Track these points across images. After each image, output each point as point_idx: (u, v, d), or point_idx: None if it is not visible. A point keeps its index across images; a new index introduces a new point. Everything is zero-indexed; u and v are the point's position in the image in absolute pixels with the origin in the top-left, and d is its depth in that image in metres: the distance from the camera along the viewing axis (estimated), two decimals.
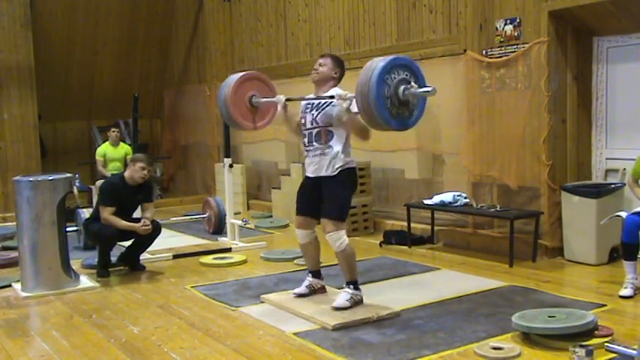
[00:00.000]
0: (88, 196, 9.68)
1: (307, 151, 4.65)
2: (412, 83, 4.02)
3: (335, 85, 4.64)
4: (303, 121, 4.67)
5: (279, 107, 4.90)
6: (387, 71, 3.92)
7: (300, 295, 4.83)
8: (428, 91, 4.00)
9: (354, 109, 4.25)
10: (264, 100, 5.05)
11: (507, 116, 6.26)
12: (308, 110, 4.64)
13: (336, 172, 4.51)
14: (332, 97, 4.46)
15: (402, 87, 3.98)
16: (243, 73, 5.21)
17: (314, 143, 4.58)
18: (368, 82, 3.89)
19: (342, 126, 4.51)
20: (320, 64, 4.65)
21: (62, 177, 5.50)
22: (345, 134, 4.56)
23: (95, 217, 5.96)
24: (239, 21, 10.64)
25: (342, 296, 4.53)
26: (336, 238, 4.46)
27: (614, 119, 6.13)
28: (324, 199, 4.55)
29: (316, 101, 4.61)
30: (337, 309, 4.45)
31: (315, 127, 4.56)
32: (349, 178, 4.60)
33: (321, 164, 4.55)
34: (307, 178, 4.73)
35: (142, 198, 6.08)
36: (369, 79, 3.89)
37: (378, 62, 3.96)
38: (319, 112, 4.56)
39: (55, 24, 10.97)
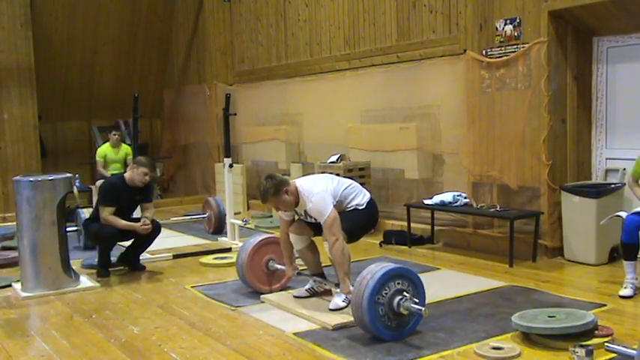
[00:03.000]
0: (88, 196, 9.68)
1: None
2: (405, 294, 3.96)
3: (297, 197, 4.53)
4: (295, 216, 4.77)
5: (290, 272, 4.92)
6: (377, 291, 3.90)
7: (300, 297, 4.84)
8: (420, 310, 3.92)
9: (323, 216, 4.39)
10: (281, 267, 5.08)
11: (507, 116, 6.26)
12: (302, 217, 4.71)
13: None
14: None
15: (397, 300, 3.95)
16: (261, 237, 5.25)
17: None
18: (360, 306, 3.90)
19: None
20: (276, 208, 4.70)
21: (62, 177, 5.50)
22: (347, 201, 4.61)
23: (95, 217, 5.96)
24: (239, 21, 10.64)
25: (338, 298, 4.52)
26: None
27: (614, 119, 6.13)
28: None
29: (300, 211, 4.65)
30: (334, 310, 4.44)
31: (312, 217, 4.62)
32: (365, 208, 4.63)
33: None
34: None
35: (142, 198, 6.08)
36: (361, 304, 3.89)
37: (369, 280, 3.91)
38: (310, 217, 4.61)
39: (55, 24, 10.97)
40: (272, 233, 7.94)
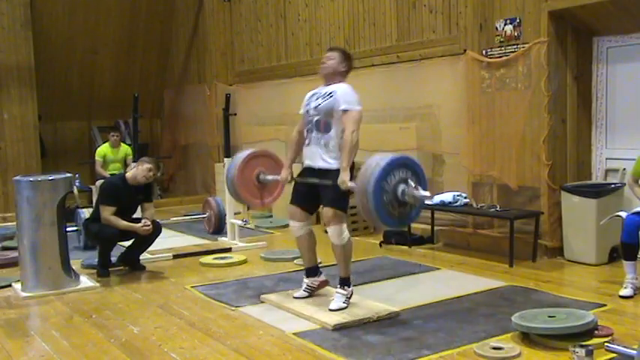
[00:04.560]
0: (88, 196, 9.68)
1: (307, 140, 4.65)
2: (410, 182, 4.02)
3: (343, 79, 4.65)
4: (307, 108, 4.68)
5: (285, 174, 4.86)
6: (383, 178, 3.94)
7: (300, 298, 4.83)
8: (425, 197, 4.01)
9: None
10: (271, 177, 5.09)
11: (507, 116, 6.26)
12: (314, 98, 4.65)
13: (333, 166, 4.49)
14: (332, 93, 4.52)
15: (400, 189, 4.01)
16: (250, 151, 5.25)
17: (313, 131, 4.59)
18: (366, 192, 3.93)
19: (340, 120, 4.51)
20: (328, 57, 4.66)
21: (62, 177, 5.50)
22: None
23: (95, 217, 5.96)
24: (239, 21, 10.64)
25: (339, 299, 4.51)
26: (338, 232, 4.44)
27: (614, 119, 6.13)
28: (323, 191, 4.54)
29: (323, 90, 4.62)
30: (335, 311, 4.43)
31: (315, 115, 4.57)
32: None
33: (318, 153, 4.55)
34: (305, 169, 4.72)
35: (143, 198, 6.07)
36: (366, 189, 3.92)
37: (374, 168, 3.96)
38: (323, 102, 4.57)
39: (55, 24, 10.97)
40: (272, 233, 7.98)
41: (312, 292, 4.85)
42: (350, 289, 4.58)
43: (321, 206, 4.66)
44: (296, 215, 4.74)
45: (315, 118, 4.57)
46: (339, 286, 4.59)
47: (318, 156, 4.55)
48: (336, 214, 4.46)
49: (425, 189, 4.09)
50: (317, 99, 4.63)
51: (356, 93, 4.56)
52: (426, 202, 4.02)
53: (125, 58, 11.94)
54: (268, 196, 5.17)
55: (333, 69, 4.64)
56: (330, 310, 4.44)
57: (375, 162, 4.02)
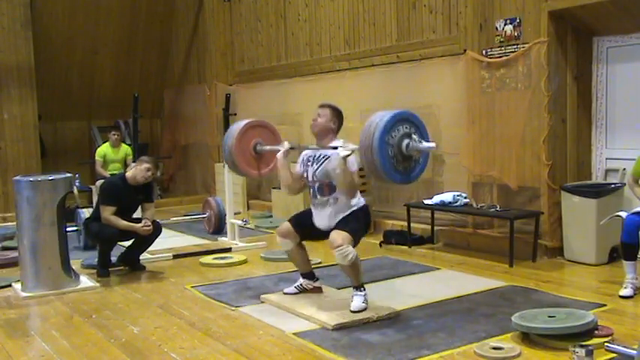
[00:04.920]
0: (88, 196, 9.68)
1: (313, 202, 4.67)
2: (413, 136, 4.05)
3: (335, 136, 4.62)
4: (305, 174, 4.68)
5: (281, 152, 4.81)
6: (387, 131, 3.95)
7: (289, 294, 4.88)
8: (431, 147, 4.06)
9: (352, 166, 4.34)
10: (269, 147, 5.11)
11: (507, 116, 6.26)
12: (309, 164, 4.64)
13: (351, 209, 4.52)
14: (335, 147, 4.45)
15: (405, 142, 4.03)
16: (247, 121, 5.25)
17: (317, 196, 4.60)
18: (371, 147, 3.93)
19: (342, 176, 4.47)
20: (318, 115, 4.63)
21: (62, 177, 5.50)
22: (348, 181, 4.52)
23: (95, 216, 5.96)
24: (239, 21, 10.64)
25: (357, 299, 4.48)
26: (345, 253, 4.32)
27: (614, 119, 6.13)
28: (340, 223, 4.49)
29: (317, 153, 4.60)
30: (356, 312, 4.41)
31: (316, 182, 4.58)
32: (361, 214, 4.56)
33: (326, 215, 4.56)
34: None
35: (143, 198, 6.07)
36: (372, 144, 3.92)
37: (377, 122, 3.96)
38: (318, 168, 4.58)
39: (55, 24, 10.97)
40: (272, 233, 7.98)
41: (302, 292, 4.90)
42: (366, 292, 4.57)
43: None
44: (286, 234, 4.74)
45: (317, 185, 4.58)
46: (354, 289, 4.55)
47: (332, 215, 4.53)
48: (347, 237, 4.37)
49: (428, 142, 4.12)
50: (312, 164, 4.61)
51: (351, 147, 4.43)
52: (432, 149, 4.08)
53: (125, 58, 11.93)
54: (265, 166, 5.18)
55: (324, 126, 4.61)
56: (352, 311, 4.40)
57: (378, 117, 4.02)
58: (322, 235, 4.62)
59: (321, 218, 4.60)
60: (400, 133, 4.04)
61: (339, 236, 4.36)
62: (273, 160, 5.04)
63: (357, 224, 4.52)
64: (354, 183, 4.44)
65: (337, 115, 4.67)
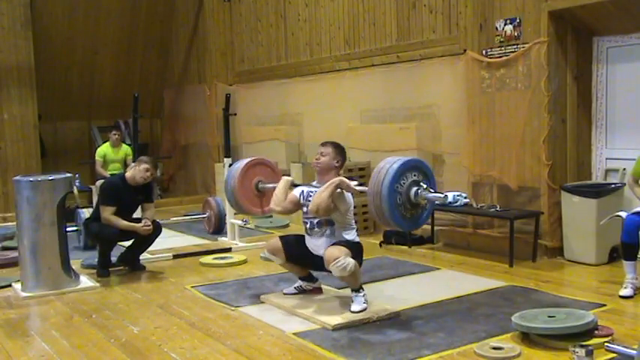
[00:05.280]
0: (88, 196, 9.68)
1: (309, 232, 4.66)
2: (422, 184, 4.07)
3: (337, 174, 4.61)
4: (305, 209, 4.67)
5: (285, 182, 4.83)
6: (396, 180, 3.97)
7: (289, 294, 4.90)
8: (439, 197, 4.06)
9: (344, 203, 4.40)
10: (271, 185, 5.15)
11: (507, 116, 6.26)
12: (309, 200, 4.60)
13: (347, 239, 4.53)
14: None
15: (413, 190, 4.06)
16: (248, 160, 5.31)
17: (315, 229, 4.60)
18: (379, 194, 3.95)
19: (338, 215, 4.49)
20: (321, 154, 4.63)
21: (62, 177, 5.50)
22: (347, 215, 4.54)
23: (95, 216, 5.96)
24: (239, 21, 10.64)
25: (358, 300, 4.48)
26: (344, 265, 4.27)
27: (614, 119, 6.13)
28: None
29: (316, 190, 4.58)
30: (356, 312, 4.40)
31: (315, 217, 4.56)
32: (355, 247, 4.53)
33: (320, 242, 4.57)
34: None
35: (143, 198, 6.07)
36: (380, 191, 3.95)
37: (387, 170, 3.98)
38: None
39: (55, 24, 10.97)
40: (272, 233, 7.98)
41: (301, 292, 4.92)
42: (364, 290, 4.57)
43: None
44: (277, 253, 4.74)
45: (316, 220, 4.57)
46: (353, 292, 4.53)
47: (326, 243, 4.53)
48: (344, 250, 4.34)
49: (435, 191, 4.14)
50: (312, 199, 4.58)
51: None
52: (442, 203, 4.09)
53: (125, 58, 11.93)
54: (267, 203, 5.19)
55: (328, 165, 4.61)
56: (353, 311, 4.40)
57: (388, 164, 4.04)
58: (310, 262, 4.64)
59: (315, 244, 4.61)
60: (409, 180, 4.06)
61: (335, 249, 4.35)
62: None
63: (353, 249, 4.47)
64: (329, 208, 4.37)
65: (340, 152, 4.66)
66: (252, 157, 5.48)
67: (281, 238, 4.81)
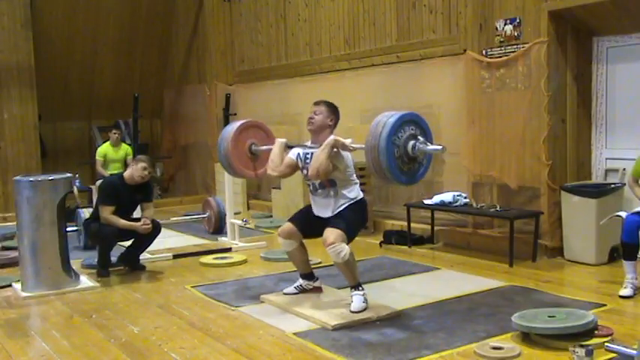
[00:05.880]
0: (88, 196, 9.68)
1: (314, 192, 4.65)
2: (419, 138, 4.07)
3: (331, 132, 4.61)
4: (305, 172, 4.67)
5: (280, 144, 4.82)
6: (394, 132, 3.96)
7: (289, 294, 4.89)
8: (437, 149, 4.08)
9: (343, 161, 4.42)
10: (264, 147, 5.12)
11: (507, 116, 6.26)
12: (308, 162, 4.61)
13: (342, 208, 4.52)
14: None
15: (411, 143, 4.05)
16: (240, 122, 5.26)
17: (318, 190, 4.60)
18: (377, 146, 3.94)
19: (339, 174, 4.49)
20: (315, 113, 4.63)
21: (62, 177, 5.50)
22: (347, 172, 4.54)
23: (95, 216, 5.96)
24: (239, 21, 10.64)
25: (357, 299, 4.48)
26: (338, 250, 4.33)
27: (614, 119, 6.13)
28: (333, 220, 4.50)
29: (314, 151, 4.58)
30: (356, 312, 4.41)
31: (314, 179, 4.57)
32: (358, 207, 4.56)
33: (328, 207, 4.56)
34: (315, 216, 4.70)
35: (142, 198, 6.07)
36: (378, 143, 3.94)
37: (385, 122, 3.98)
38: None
39: (55, 24, 10.97)
40: (272, 233, 7.98)
41: (302, 292, 4.91)
42: (365, 291, 4.57)
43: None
44: (288, 234, 4.73)
45: (318, 182, 4.56)
46: (353, 289, 4.54)
47: (328, 207, 4.55)
48: (340, 235, 4.38)
49: (433, 144, 4.14)
50: (311, 161, 4.56)
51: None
52: (439, 152, 4.13)
53: (125, 58, 11.93)
54: (260, 167, 5.20)
55: (321, 124, 4.61)
56: (352, 311, 4.40)
57: (385, 118, 4.03)
58: (322, 227, 4.58)
59: (322, 207, 4.61)
60: (406, 134, 4.05)
61: (331, 234, 4.37)
62: (268, 160, 5.05)
63: (354, 216, 4.53)
64: (329, 170, 4.37)
65: (333, 111, 4.67)
66: (246, 120, 5.41)
67: (290, 220, 4.80)
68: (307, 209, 4.80)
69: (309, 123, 4.65)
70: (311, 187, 4.65)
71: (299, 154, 4.72)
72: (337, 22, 8.54)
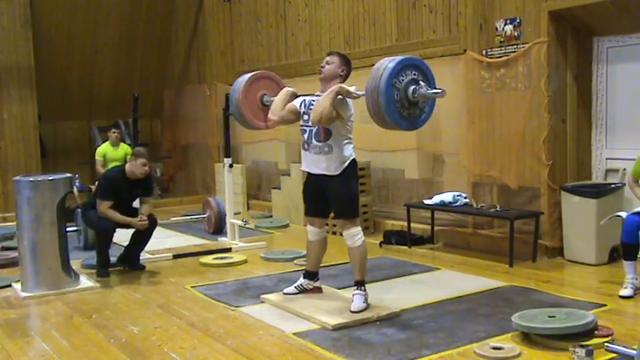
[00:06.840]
0: (88, 195, 9.66)
1: (307, 147, 4.65)
2: (421, 83, 4.05)
3: (341, 82, 4.62)
4: (305, 117, 4.66)
5: (286, 91, 4.84)
6: (395, 75, 3.95)
7: (289, 294, 4.90)
8: (438, 93, 4.05)
9: (343, 109, 4.41)
10: (275, 98, 5.06)
11: (507, 116, 6.26)
12: (311, 108, 4.60)
13: (337, 172, 4.52)
14: None
15: (412, 88, 4.03)
16: (252, 73, 5.26)
17: (313, 141, 4.58)
18: (377, 88, 3.93)
19: (339, 123, 4.49)
20: (327, 62, 4.63)
21: (62, 177, 5.50)
22: (348, 123, 4.54)
23: (92, 204, 5.96)
24: (239, 21, 10.64)
25: (358, 299, 4.49)
26: (354, 234, 4.53)
27: (614, 119, 6.13)
28: (331, 199, 4.59)
29: (318, 98, 4.59)
30: (355, 312, 4.41)
31: (314, 125, 4.55)
32: (351, 171, 4.59)
33: (320, 163, 4.57)
34: (309, 175, 4.73)
35: (141, 192, 6.08)
36: (378, 85, 3.93)
37: (386, 65, 3.97)
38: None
39: (55, 24, 10.96)
40: (272, 233, 7.98)
41: (302, 292, 4.91)
42: (367, 292, 4.58)
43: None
44: (315, 223, 4.81)
45: (315, 128, 4.56)
46: (355, 287, 4.57)
47: (321, 163, 4.57)
48: (350, 221, 4.55)
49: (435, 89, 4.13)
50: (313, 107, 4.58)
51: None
52: (439, 96, 4.08)
53: (125, 58, 11.93)
54: None
55: (333, 73, 4.61)
56: (352, 311, 4.41)
57: (386, 61, 4.03)
58: (324, 193, 4.62)
59: (313, 163, 4.62)
60: (408, 78, 4.04)
61: (345, 223, 4.55)
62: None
63: (350, 186, 4.57)
64: (331, 117, 4.37)
65: (346, 62, 4.68)
66: (257, 71, 5.41)
67: (305, 212, 4.87)
68: (307, 191, 4.80)
69: (320, 72, 4.65)
70: (305, 135, 4.63)
71: (304, 100, 4.73)
72: (337, 22, 8.54)
